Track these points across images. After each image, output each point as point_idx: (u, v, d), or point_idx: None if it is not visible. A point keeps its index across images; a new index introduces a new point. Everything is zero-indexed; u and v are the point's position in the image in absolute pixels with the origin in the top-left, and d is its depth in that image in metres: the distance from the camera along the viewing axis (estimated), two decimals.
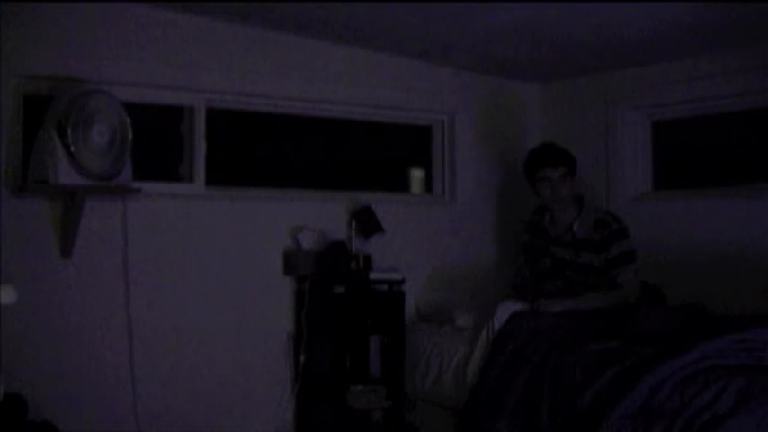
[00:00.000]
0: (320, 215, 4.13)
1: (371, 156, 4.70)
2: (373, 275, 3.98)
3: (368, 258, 4.00)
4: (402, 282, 4.02)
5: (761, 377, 2.60)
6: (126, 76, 3.59)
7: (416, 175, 4.81)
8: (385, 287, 4.00)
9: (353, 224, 4.09)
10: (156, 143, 3.86)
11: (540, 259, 3.91)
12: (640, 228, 4.20)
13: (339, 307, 3.91)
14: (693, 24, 3.55)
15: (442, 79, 4.56)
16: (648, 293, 3.74)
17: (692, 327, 3.21)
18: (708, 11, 3.33)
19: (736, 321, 3.12)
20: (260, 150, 4.35)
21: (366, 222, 4.10)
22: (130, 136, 3.32)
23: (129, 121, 3.32)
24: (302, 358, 3.91)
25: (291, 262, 3.98)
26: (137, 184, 3.45)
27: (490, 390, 3.34)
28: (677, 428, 2.55)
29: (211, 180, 3.94)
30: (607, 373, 2.90)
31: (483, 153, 4.71)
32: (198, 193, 3.89)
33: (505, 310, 3.60)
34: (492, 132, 4.73)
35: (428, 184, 4.76)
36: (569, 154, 3.83)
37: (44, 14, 3.39)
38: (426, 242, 4.46)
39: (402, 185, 4.81)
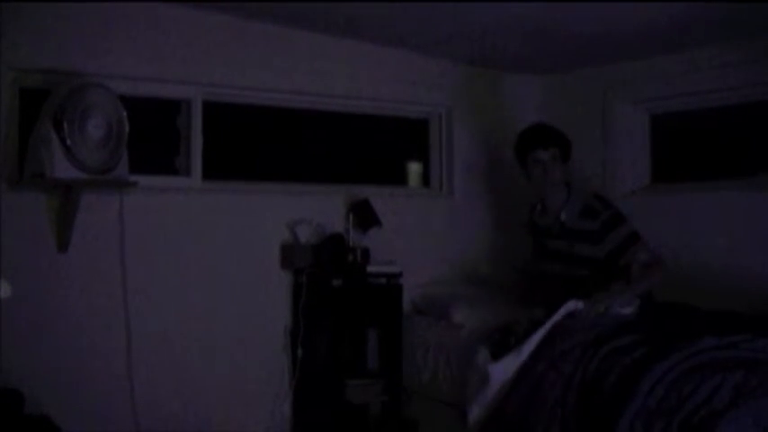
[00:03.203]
0: (317, 208, 4.13)
1: (369, 149, 4.69)
2: (371, 269, 3.98)
3: (365, 252, 3.99)
4: (399, 275, 4.01)
5: (757, 372, 2.60)
6: (122, 69, 3.58)
7: (414, 168, 4.79)
8: (382, 280, 4.00)
9: (351, 217, 4.09)
10: (152, 137, 3.85)
11: (538, 253, 3.83)
12: (638, 221, 4.19)
13: (336, 300, 3.90)
14: (692, 18, 3.53)
15: (440, 72, 4.54)
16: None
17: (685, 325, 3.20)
18: (706, 5, 3.32)
19: (728, 324, 3.12)
20: (257, 144, 4.33)
21: (363, 216, 4.10)
22: (127, 129, 3.31)
23: (125, 114, 3.31)
24: (299, 352, 3.91)
25: (289, 255, 3.98)
26: (133, 178, 3.44)
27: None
28: (676, 426, 2.54)
29: (208, 174, 3.93)
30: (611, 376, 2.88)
31: (481, 146, 4.70)
32: (195, 187, 3.88)
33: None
34: (490, 125, 4.71)
35: (425, 178, 4.75)
36: (562, 134, 3.65)
37: (41, 8, 3.37)
38: (424, 235, 4.45)
39: (399, 179, 4.80)
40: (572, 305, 3.31)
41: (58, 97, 3.19)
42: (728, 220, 3.91)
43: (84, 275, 3.52)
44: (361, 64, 4.27)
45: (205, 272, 3.82)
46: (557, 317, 3.26)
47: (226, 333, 3.86)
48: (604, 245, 3.50)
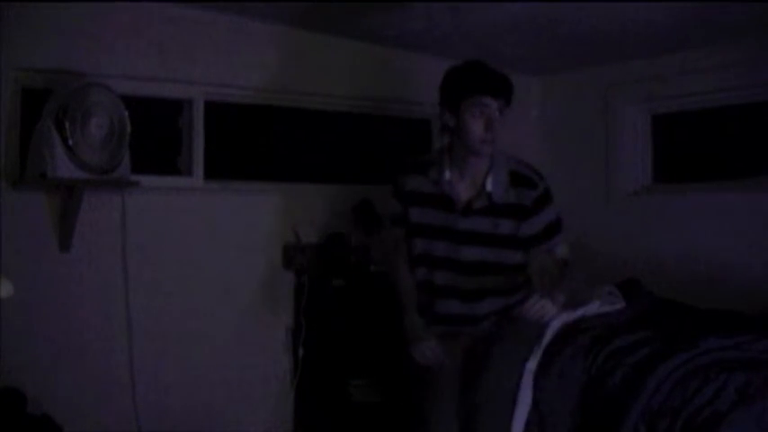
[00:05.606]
0: (319, 208, 4.13)
1: (371, 149, 4.69)
2: (373, 268, 3.98)
3: (367, 252, 3.99)
4: None
5: (761, 372, 2.59)
6: (124, 69, 3.58)
7: None
8: (384, 281, 3.99)
9: (353, 218, 4.09)
10: (154, 136, 3.85)
11: (432, 241, 2.94)
12: (640, 221, 4.20)
13: (339, 300, 3.90)
14: (694, 18, 3.53)
15: (442, 72, 4.53)
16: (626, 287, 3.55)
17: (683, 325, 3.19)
18: (708, 5, 3.32)
19: (731, 324, 3.11)
20: (259, 143, 4.33)
21: (365, 216, 4.10)
22: (129, 129, 3.31)
23: (127, 114, 3.31)
24: (301, 352, 3.91)
25: (291, 255, 3.98)
26: (135, 178, 3.44)
27: None
28: (679, 427, 2.54)
29: (210, 173, 3.93)
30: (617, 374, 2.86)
31: None
32: (196, 187, 3.88)
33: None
34: None
35: None
36: (511, 82, 2.94)
37: (43, 8, 3.37)
38: None
39: None
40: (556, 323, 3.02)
41: (60, 97, 3.19)
42: (730, 221, 3.91)
43: (86, 275, 3.52)
44: (363, 64, 4.27)
45: (207, 272, 3.81)
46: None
47: (227, 333, 3.86)
48: (533, 223, 2.87)
